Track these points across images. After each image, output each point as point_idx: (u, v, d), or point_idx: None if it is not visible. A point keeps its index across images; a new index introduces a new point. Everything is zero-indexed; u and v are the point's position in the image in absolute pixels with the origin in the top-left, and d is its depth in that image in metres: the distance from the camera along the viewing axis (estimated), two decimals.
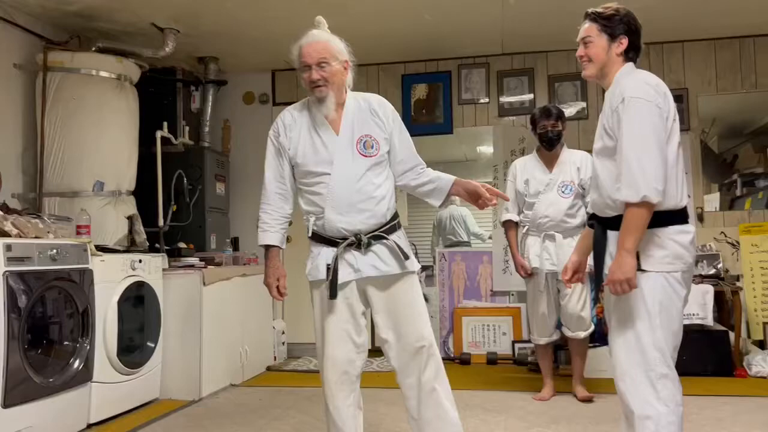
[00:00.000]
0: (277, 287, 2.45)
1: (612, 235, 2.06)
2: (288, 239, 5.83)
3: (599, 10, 2.13)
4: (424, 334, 2.37)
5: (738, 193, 5.35)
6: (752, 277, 4.71)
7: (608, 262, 2.05)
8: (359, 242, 2.33)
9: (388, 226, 2.39)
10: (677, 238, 1.99)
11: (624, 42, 2.10)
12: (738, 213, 4.96)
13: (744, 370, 4.23)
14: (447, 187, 2.44)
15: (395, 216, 2.44)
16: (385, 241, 2.37)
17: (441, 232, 6.71)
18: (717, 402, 3.49)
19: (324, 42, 2.36)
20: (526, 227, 3.77)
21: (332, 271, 2.31)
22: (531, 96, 5.29)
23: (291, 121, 2.45)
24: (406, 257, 2.38)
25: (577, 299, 3.62)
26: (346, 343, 2.36)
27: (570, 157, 3.78)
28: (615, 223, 2.03)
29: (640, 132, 1.93)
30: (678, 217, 2.01)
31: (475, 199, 2.39)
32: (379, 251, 2.36)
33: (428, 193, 2.48)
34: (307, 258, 2.45)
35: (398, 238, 2.41)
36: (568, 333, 3.73)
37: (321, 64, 2.32)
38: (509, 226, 3.86)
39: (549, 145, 3.75)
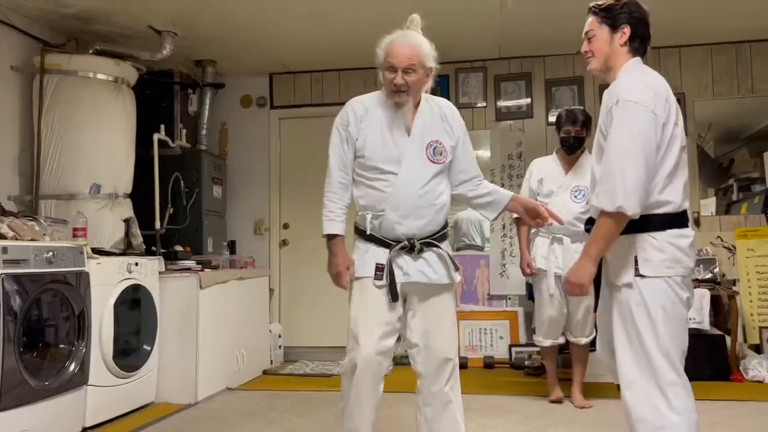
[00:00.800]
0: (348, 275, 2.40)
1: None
2: (285, 242, 5.80)
3: (599, 3, 2.09)
4: (453, 347, 2.43)
5: (734, 197, 5.36)
6: (748, 282, 4.71)
7: (604, 267, 2.03)
8: (412, 247, 2.34)
9: (440, 234, 2.41)
10: (677, 242, 1.95)
11: (626, 31, 2.03)
12: (734, 217, 4.97)
13: (740, 375, 4.24)
14: (504, 202, 2.46)
15: (446, 224, 2.46)
16: (436, 248, 2.38)
17: (457, 233, 6.72)
18: (714, 406, 3.49)
19: (417, 46, 2.32)
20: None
21: (388, 273, 2.31)
22: (528, 100, 5.29)
23: (363, 112, 2.39)
24: (456, 268, 2.42)
25: (584, 306, 3.62)
26: (378, 343, 2.32)
27: (588, 163, 3.67)
28: None
29: (628, 140, 1.89)
30: (678, 220, 1.98)
31: (533, 216, 2.41)
32: (429, 258, 2.38)
33: (484, 205, 2.50)
34: (352, 252, 2.43)
35: (447, 247, 2.44)
36: (571, 338, 3.73)
37: (408, 70, 2.29)
38: (521, 222, 3.80)
39: (569, 150, 3.74)
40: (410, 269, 2.35)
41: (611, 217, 1.90)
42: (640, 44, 2.06)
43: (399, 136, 2.35)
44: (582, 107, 4.02)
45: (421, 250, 2.35)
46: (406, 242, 2.33)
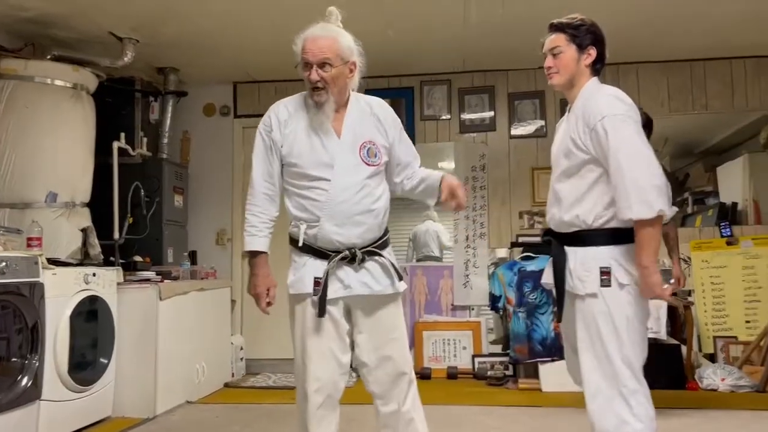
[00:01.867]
0: (268, 298, 2.24)
1: (570, 251, 2.06)
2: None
3: (565, 20, 2.12)
4: (407, 360, 2.27)
5: (689, 210, 5.53)
6: (703, 293, 4.85)
7: (568, 278, 2.06)
8: (353, 257, 2.16)
9: (381, 241, 2.25)
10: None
11: (592, 53, 2.09)
12: (689, 230, 5.11)
13: (695, 383, 4.34)
14: (436, 184, 2.29)
15: (387, 230, 2.30)
16: (378, 258, 2.22)
17: (416, 246, 6.75)
18: (669, 414, 3.56)
19: (331, 39, 2.13)
20: None
21: (322, 287, 2.13)
22: (491, 113, 5.36)
23: (286, 116, 2.21)
24: (400, 277, 2.26)
25: None
26: (330, 364, 2.18)
27: None
28: (573, 238, 2.05)
29: (636, 148, 1.94)
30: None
31: (452, 196, 2.23)
32: (372, 268, 2.21)
33: (421, 193, 2.35)
34: (287, 268, 2.26)
35: (390, 254, 2.28)
36: None
37: (323, 65, 2.10)
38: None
39: None
40: (352, 281, 2.17)
41: (651, 224, 1.92)
42: (600, 65, 2.13)
43: (328, 139, 2.16)
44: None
45: (362, 260, 2.17)
46: (347, 252, 2.15)
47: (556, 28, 2.13)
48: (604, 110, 1.97)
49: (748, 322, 4.73)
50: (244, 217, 2.26)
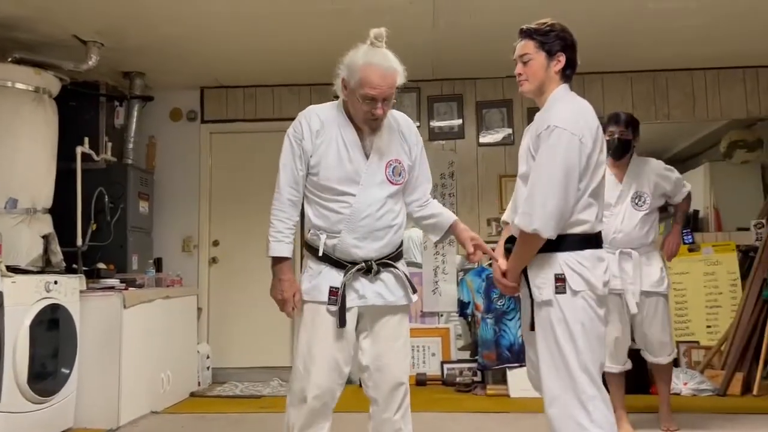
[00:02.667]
0: (294, 302, 2.24)
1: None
2: (214, 260, 5.66)
3: (534, 26, 2.11)
4: (404, 372, 2.31)
5: None
6: None
7: (529, 285, 2.08)
8: (369, 269, 2.22)
9: (396, 254, 2.31)
10: (591, 261, 2.03)
11: (562, 60, 2.08)
12: None
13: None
14: (445, 226, 2.35)
15: (401, 244, 2.35)
16: (393, 269, 2.28)
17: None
18: (634, 419, 3.61)
19: (395, 72, 2.17)
20: None
21: (341, 297, 2.17)
22: (460, 121, 5.41)
23: (319, 126, 2.22)
24: (414, 290, 2.32)
25: (660, 323, 3.38)
26: (333, 373, 2.21)
27: (644, 166, 3.47)
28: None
29: (553, 166, 1.96)
30: (594, 240, 2.06)
31: (474, 249, 2.28)
32: (387, 280, 2.26)
33: (428, 227, 2.40)
34: (302, 272, 2.29)
35: (403, 266, 2.33)
36: (651, 358, 3.48)
37: (387, 100, 2.16)
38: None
39: (616, 154, 3.35)
40: (367, 292, 2.23)
41: (526, 238, 1.99)
42: (571, 71, 2.12)
43: (356, 154, 2.21)
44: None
45: (378, 272, 2.23)
46: (363, 264, 2.21)
47: (525, 34, 2.13)
48: (552, 120, 1.99)
49: (709, 327, 4.84)
50: (269, 221, 2.25)
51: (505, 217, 2.37)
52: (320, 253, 2.21)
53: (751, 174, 5.60)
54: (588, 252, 2.03)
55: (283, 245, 2.22)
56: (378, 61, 2.15)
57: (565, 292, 1.99)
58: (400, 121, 2.34)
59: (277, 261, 2.23)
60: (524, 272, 2.11)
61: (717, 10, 4.07)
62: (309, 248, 2.29)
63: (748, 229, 5.04)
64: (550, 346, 2.01)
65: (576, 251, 2.01)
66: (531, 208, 1.96)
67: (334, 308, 2.19)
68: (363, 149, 2.22)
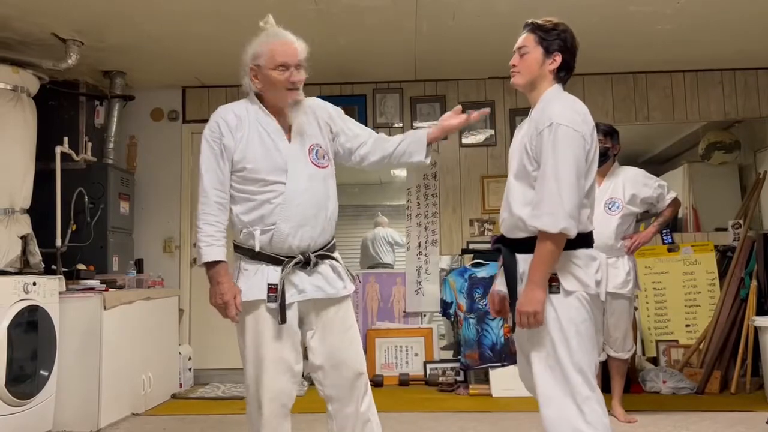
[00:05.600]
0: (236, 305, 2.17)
1: (521, 258, 2.06)
2: (195, 261, 5.61)
3: (539, 21, 2.11)
4: (361, 361, 2.27)
5: None
6: (646, 298, 5.00)
7: (519, 285, 2.05)
8: (307, 261, 2.17)
9: (331, 244, 2.28)
10: (584, 261, 2.03)
11: (557, 59, 2.08)
12: None
13: (639, 386, 4.46)
14: (423, 136, 2.36)
15: (334, 234, 2.33)
16: (330, 261, 2.24)
17: (367, 253, 6.76)
18: (613, 419, 3.66)
19: (300, 44, 2.19)
20: None
21: (280, 293, 2.12)
22: None
23: (236, 122, 2.19)
24: (353, 278, 2.31)
25: (624, 321, 3.57)
26: (285, 373, 2.17)
27: (621, 173, 3.64)
28: (523, 245, 2.05)
29: (564, 162, 1.94)
30: (587, 240, 2.06)
31: (455, 127, 2.38)
32: (324, 272, 2.22)
33: (408, 152, 2.35)
34: (237, 277, 2.21)
35: (339, 257, 2.31)
36: (611, 353, 3.65)
37: (299, 67, 2.17)
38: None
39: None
40: (306, 286, 2.18)
41: (553, 240, 1.93)
42: (565, 74, 2.13)
43: (280, 142, 2.19)
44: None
45: (315, 264, 2.19)
46: (300, 257, 2.16)
47: (529, 27, 2.12)
48: (554, 117, 1.98)
49: (688, 326, 4.90)
50: (197, 227, 2.20)
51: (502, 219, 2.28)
52: (257, 249, 2.16)
53: (729, 175, 5.68)
54: (581, 251, 2.03)
55: (215, 248, 2.16)
56: (280, 34, 2.19)
57: (558, 292, 1.98)
58: (312, 105, 2.31)
59: (211, 266, 2.16)
60: (512, 272, 2.08)
61: (692, 15, 4.12)
62: (242, 250, 2.23)
63: (726, 230, 5.11)
64: (543, 346, 1.99)
65: (569, 250, 1.99)
66: (553, 208, 1.91)
67: (274, 305, 2.13)
68: (286, 137, 2.21)
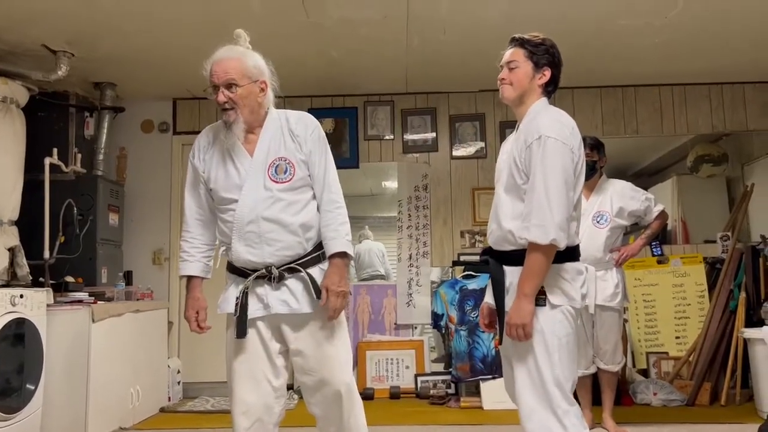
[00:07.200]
0: (197, 321, 2.23)
1: (509, 270, 2.07)
2: None
3: (527, 36, 2.14)
4: (344, 377, 2.21)
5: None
6: (636, 310, 5.01)
7: (507, 297, 2.06)
8: (270, 275, 2.15)
9: (308, 258, 2.20)
10: (571, 274, 2.04)
11: (547, 74, 2.11)
12: None
13: (630, 398, 4.46)
14: (326, 254, 2.22)
15: (319, 246, 2.23)
16: (300, 274, 2.17)
17: (360, 265, 6.73)
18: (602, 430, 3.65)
19: (236, 59, 2.15)
20: None
21: (239, 306, 2.13)
22: (434, 134, 5.45)
23: (206, 143, 2.26)
24: (318, 292, 2.16)
25: (614, 333, 3.56)
26: (259, 386, 2.15)
27: (609, 187, 3.67)
28: (511, 257, 2.06)
29: (553, 174, 1.95)
30: (573, 253, 2.07)
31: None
32: (292, 286, 2.17)
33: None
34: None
35: (320, 271, 2.21)
36: (601, 365, 3.64)
37: (229, 86, 2.13)
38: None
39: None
40: (270, 300, 2.15)
41: (543, 251, 1.94)
42: (553, 88, 2.15)
43: (240, 161, 2.18)
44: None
45: (281, 278, 2.15)
46: (264, 270, 2.15)
47: (516, 42, 2.14)
48: (542, 130, 1.99)
49: (678, 338, 4.92)
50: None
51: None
52: (227, 265, 2.25)
53: (717, 187, 5.72)
54: (569, 265, 2.04)
55: (188, 264, 2.26)
56: (219, 53, 2.19)
57: (544, 305, 1.99)
58: (290, 119, 2.26)
59: (186, 281, 2.28)
60: (499, 284, 2.09)
61: (680, 29, 4.17)
62: (227, 265, 2.30)
63: (714, 242, 5.15)
64: (526, 359, 2.00)
65: (556, 264, 2.00)
66: (543, 220, 1.93)
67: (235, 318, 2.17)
68: (248, 155, 2.19)
